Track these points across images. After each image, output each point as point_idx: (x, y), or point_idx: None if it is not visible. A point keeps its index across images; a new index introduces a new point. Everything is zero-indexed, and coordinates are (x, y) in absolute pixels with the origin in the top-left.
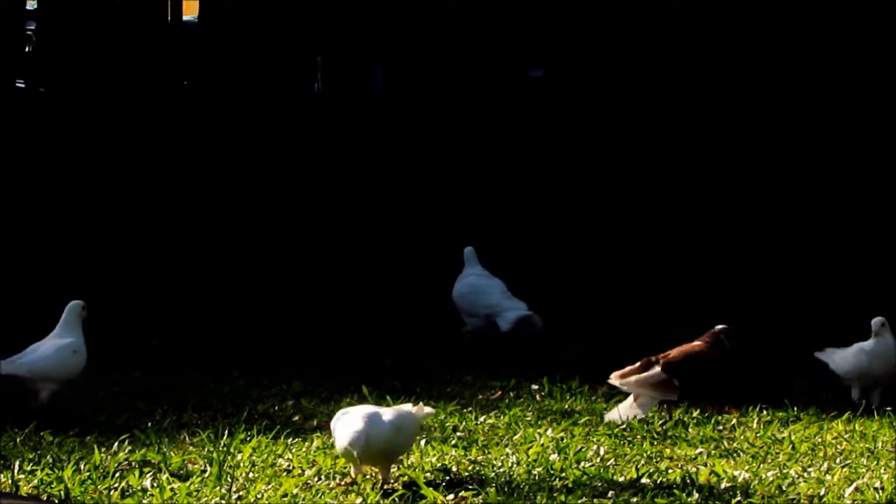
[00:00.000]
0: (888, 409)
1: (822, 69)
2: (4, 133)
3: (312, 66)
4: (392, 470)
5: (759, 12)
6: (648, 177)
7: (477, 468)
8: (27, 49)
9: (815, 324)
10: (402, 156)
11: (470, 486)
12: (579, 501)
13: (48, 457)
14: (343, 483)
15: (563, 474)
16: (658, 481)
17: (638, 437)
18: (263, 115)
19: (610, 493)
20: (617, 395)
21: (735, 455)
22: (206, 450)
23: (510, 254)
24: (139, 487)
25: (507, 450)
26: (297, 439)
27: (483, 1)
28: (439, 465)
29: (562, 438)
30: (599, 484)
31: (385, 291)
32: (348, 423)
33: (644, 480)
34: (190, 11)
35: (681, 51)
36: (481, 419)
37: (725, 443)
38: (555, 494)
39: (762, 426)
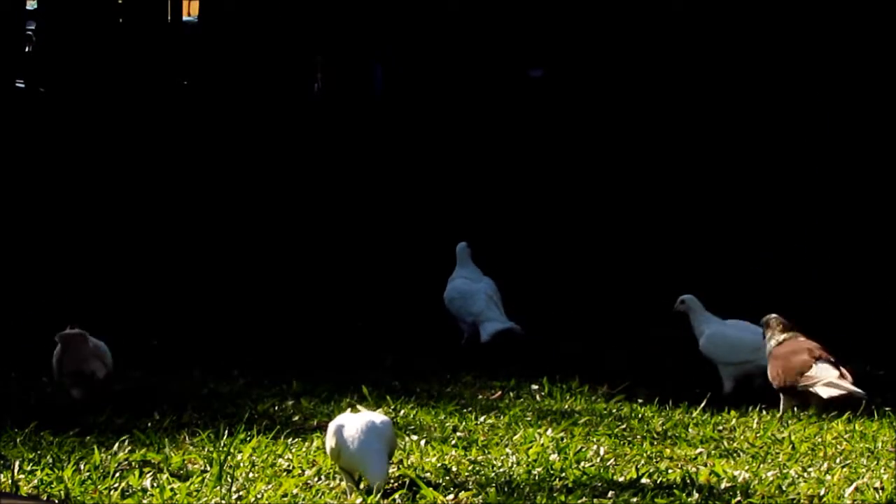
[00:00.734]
0: (888, 409)
1: (822, 69)
2: (4, 133)
3: (312, 66)
4: (391, 470)
5: (759, 12)
6: (648, 176)
7: (477, 468)
8: (27, 49)
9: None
10: (401, 155)
11: (470, 486)
12: (579, 501)
13: (48, 457)
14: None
15: (563, 474)
16: (658, 481)
17: (638, 437)
18: (263, 114)
19: (610, 493)
20: (616, 395)
21: (735, 455)
22: (206, 450)
23: (509, 253)
24: (139, 487)
25: (507, 450)
26: (297, 439)
27: (483, 1)
28: (439, 465)
29: (562, 438)
30: (599, 484)
31: (385, 291)
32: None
33: (644, 480)
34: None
35: (681, 51)
36: (481, 419)
37: (725, 443)
38: (555, 494)
39: (762, 426)
